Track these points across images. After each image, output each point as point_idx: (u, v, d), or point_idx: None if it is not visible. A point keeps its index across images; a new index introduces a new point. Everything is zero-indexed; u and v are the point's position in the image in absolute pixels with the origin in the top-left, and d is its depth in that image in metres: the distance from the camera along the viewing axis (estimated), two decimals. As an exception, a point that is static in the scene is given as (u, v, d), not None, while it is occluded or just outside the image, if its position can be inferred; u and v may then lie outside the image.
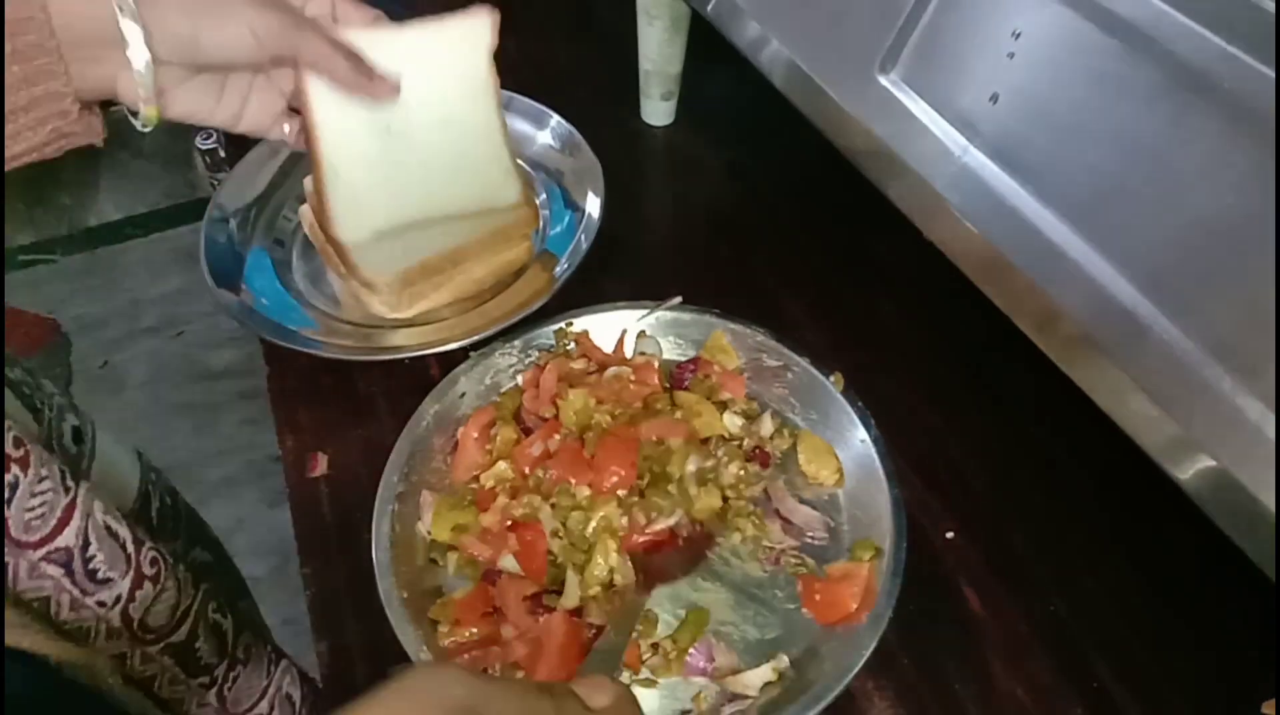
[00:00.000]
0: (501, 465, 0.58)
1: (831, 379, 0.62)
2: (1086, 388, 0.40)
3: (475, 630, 0.53)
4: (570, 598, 0.53)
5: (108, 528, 0.51)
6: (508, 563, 0.55)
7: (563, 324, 0.66)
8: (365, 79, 0.51)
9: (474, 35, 0.56)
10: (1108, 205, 0.37)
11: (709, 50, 0.75)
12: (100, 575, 0.50)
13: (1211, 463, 0.34)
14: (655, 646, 0.53)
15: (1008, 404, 0.66)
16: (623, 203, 0.78)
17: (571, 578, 0.53)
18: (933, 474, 0.61)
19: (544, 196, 0.80)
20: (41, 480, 0.47)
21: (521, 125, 0.86)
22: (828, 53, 0.50)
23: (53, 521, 0.47)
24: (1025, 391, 0.65)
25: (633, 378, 0.63)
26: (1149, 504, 0.58)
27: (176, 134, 2.51)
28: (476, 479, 0.59)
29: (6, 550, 0.45)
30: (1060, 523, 0.59)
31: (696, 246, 0.79)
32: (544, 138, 0.85)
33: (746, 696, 0.51)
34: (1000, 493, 0.61)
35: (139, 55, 0.43)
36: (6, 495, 0.45)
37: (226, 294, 0.70)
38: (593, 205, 0.77)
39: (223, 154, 0.88)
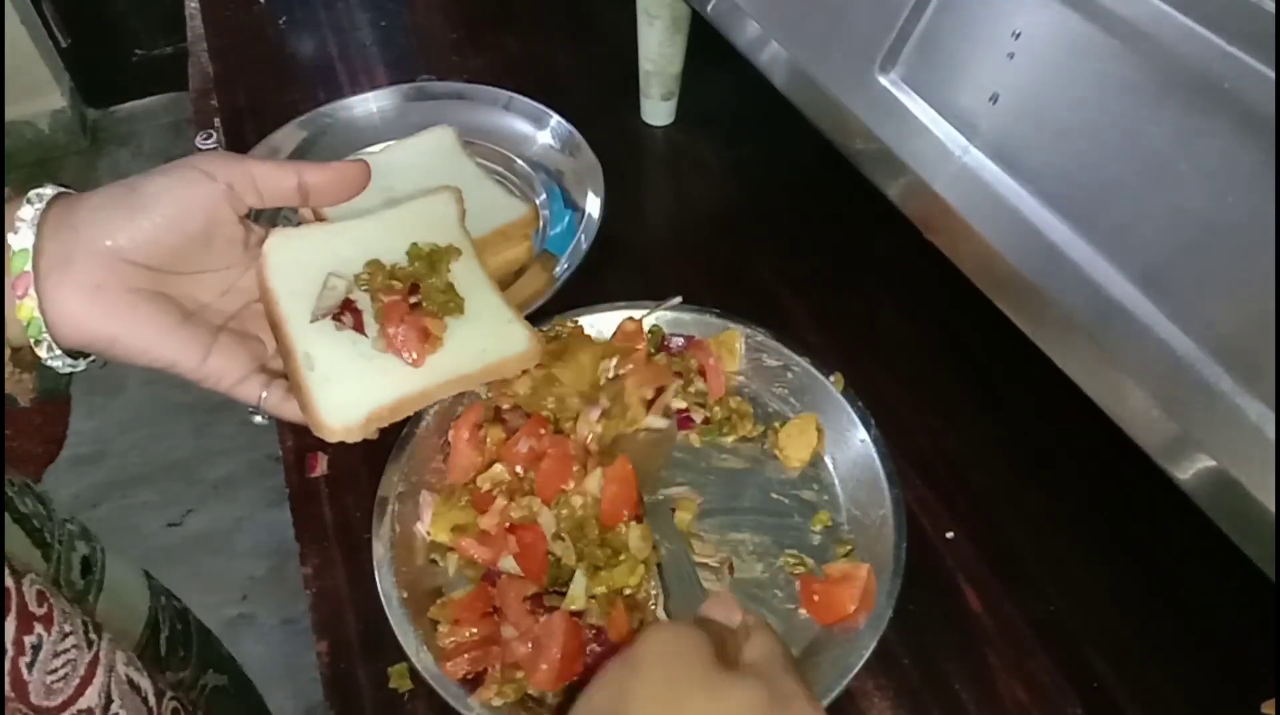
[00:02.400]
0: (498, 467, 0.58)
1: (831, 379, 0.62)
2: (1086, 387, 0.40)
3: (475, 630, 0.53)
4: (577, 600, 0.53)
5: (130, 681, 0.48)
6: (507, 564, 0.55)
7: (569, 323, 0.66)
8: (338, 175, 0.46)
9: (440, 211, 0.54)
10: (1108, 205, 0.37)
11: (709, 50, 0.75)
12: None
13: (1211, 463, 0.34)
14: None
15: (1008, 404, 0.66)
16: (623, 203, 0.78)
17: (579, 579, 0.53)
18: (933, 474, 0.61)
19: (544, 196, 0.80)
20: (65, 636, 0.44)
21: (521, 125, 0.86)
22: (828, 53, 0.50)
23: (75, 681, 0.44)
24: (1025, 391, 0.65)
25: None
26: (1149, 504, 0.58)
27: (176, 134, 2.51)
28: (473, 480, 0.59)
29: None
30: (1060, 522, 0.59)
31: (696, 246, 0.79)
32: (544, 138, 0.85)
33: (746, 696, 0.51)
34: (1000, 493, 0.61)
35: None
36: (29, 658, 0.41)
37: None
38: (593, 205, 0.77)
39: (223, 154, 0.89)
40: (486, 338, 0.51)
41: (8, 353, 0.41)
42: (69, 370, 0.43)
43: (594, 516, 0.56)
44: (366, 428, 0.47)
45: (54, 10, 2.28)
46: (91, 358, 0.43)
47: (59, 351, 0.41)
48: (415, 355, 0.48)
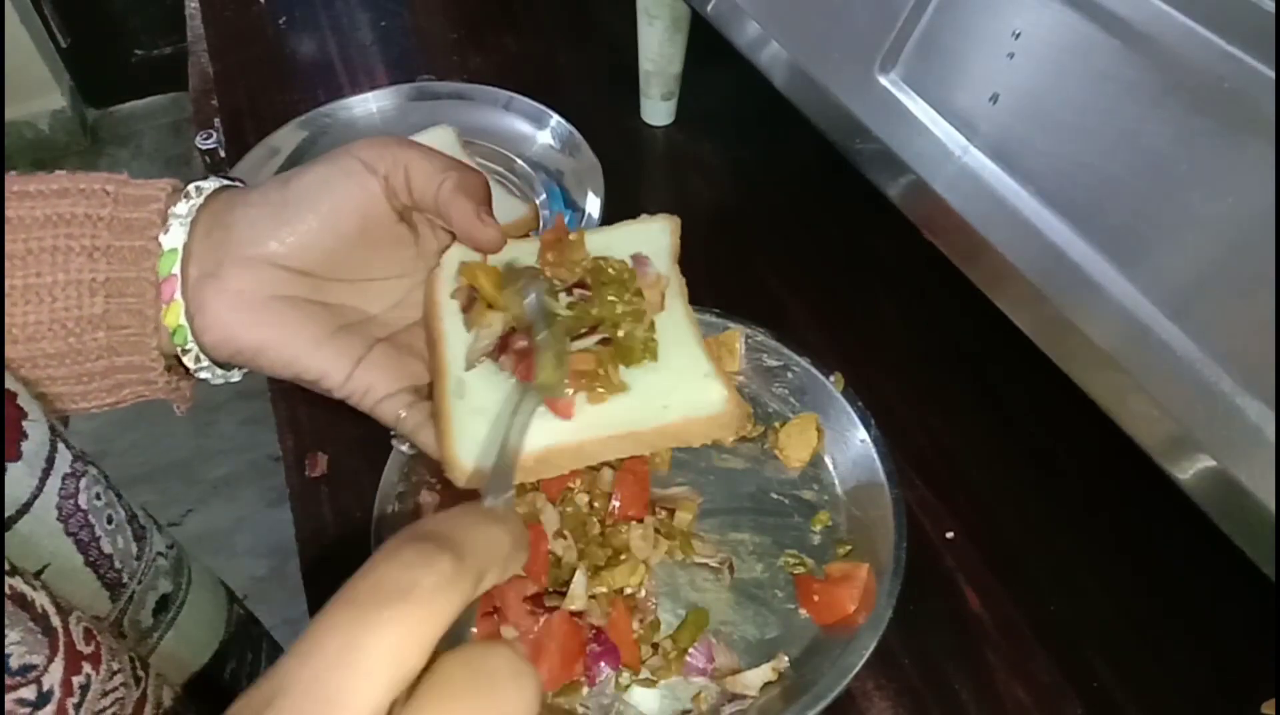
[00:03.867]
0: None
1: (831, 379, 0.62)
2: (1086, 387, 0.40)
3: (475, 630, 0.53)
4: (577, 600, 0.53)
5: None
6: None
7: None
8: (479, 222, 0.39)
9: (654, 238, 0.47)
10: (1108, 205, 0.37)
11: (709, 50, 0.75)
12: None
13: (1211, 463, 0.34)
14: (655, 646, 0.53)
15: (1008, 404, 0.66)
16: (623, 203, 0.78)
17: (579, 579, 0.53)
18: (933, 474, 0.61)
19: (544, 196, 0.80)
20: (114, 675, 0.41)
21: (521, 125, 0.86)
22: (828, 53, 0.50)
23: None
24: (1025, 391, 0.65)
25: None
26: (1149, 504, 0.58)
27: (176, 134, 2.51)
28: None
29: None
30: (1060, 522, 0.59)
31: (696, 246, 0.78)
32: (544, 138, 0.85)
33: (746, 696, 0.51)
34: (1000, 493, 0.61)
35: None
36: (77, 699, 0.38)
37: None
38: (593, 205, 0.77)
39: (223, 154, 0.88)
40: (674, 393, 0.41)
41: (162, 361, 0.37)
42: (221, 381, 0.40)
43: (596, 516, 0.57)
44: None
45: (54, 10, 2.28)
46: (244, 371, 0.40)
47: (207, 361, 0.39)
48: (560, 405, 0.39)
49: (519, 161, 0.83)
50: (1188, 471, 0.35)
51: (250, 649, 0.67)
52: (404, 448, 0.46)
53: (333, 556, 0.58)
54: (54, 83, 2.34)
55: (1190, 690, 0.52)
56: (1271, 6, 0.31)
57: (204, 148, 0.90)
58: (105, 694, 0.40)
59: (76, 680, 0.39)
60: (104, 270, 0.36)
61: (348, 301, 0.40)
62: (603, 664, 0.52)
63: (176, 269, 0.36)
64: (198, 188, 0.38)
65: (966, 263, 0.44)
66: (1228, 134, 0.33)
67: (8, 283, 0.35)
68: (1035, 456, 0.63)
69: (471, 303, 0.40)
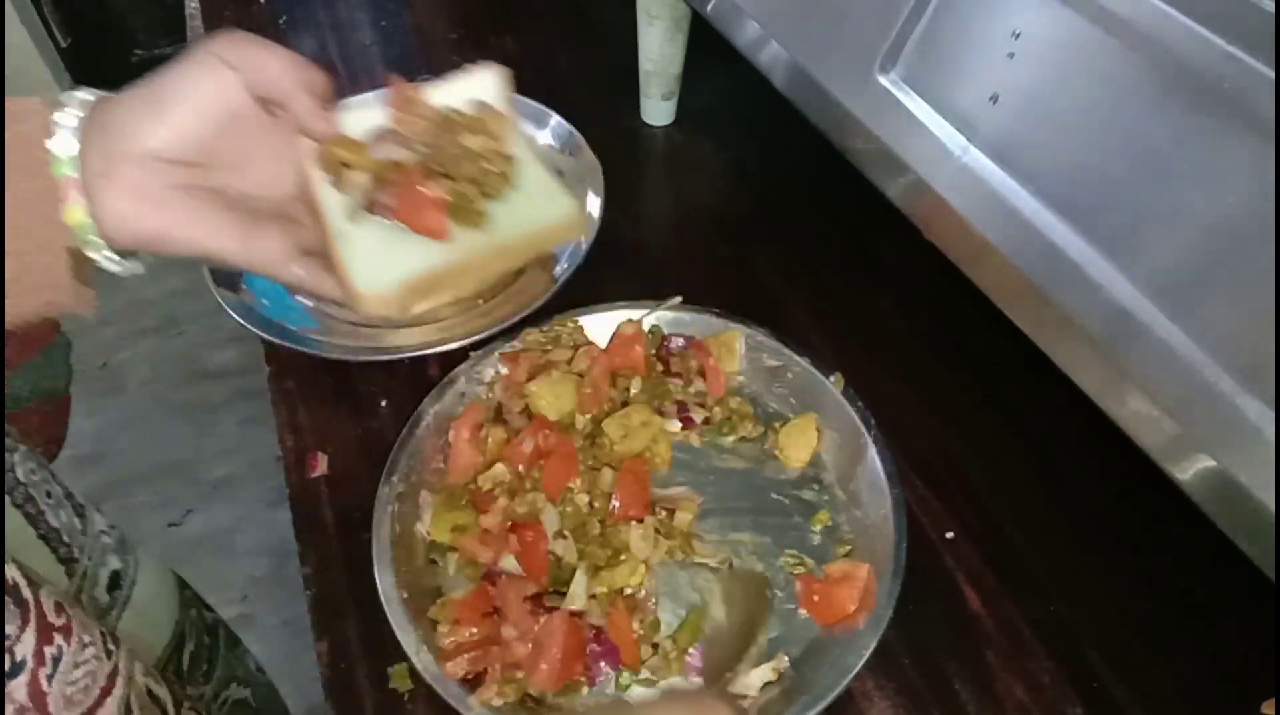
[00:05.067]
0: (499, 467, 0.58)
1: (832, 379, 0.62)
2: (1086, 388, 0.40)
3: (475, 630, 0.53)
4: (577, 599, 0.53)
5: (150, 692, 0.48)
6: (508, 563, 0.55)
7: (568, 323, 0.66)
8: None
9: (488, 86, 0.52)
10: (1108, 205, 0.37)
11: (709, 50, 0.75)
12: None
13: (1211, 463, 0.34)
14: (655, 646, 0.53)
15: (1008, 404, 0.65)
16: (623, 203, 0.78)
17: (580, 579, 0.53)
18: (933, 474, 0.61)
19: (544, 196, 0.80)
20: (85, 647, 0.43)
21: (521, 125, 0.86)
22: (828, 53, 0.50)
23: (95, 692, 0.43)
24: (1025, 391, 0.65)
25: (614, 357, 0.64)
26: (1149, 504, 0.58)
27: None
28: (474, 479, 0.59)
29: None
30: (1060, 522, 0.59)
31: (697, 246, 0.79)
32: (544, 138, 0.85)
33: (746, 696, 0.51)
34: (1000, 493, 0.61)
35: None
36: (49, 670, 0.41)
37: (227, 294, 0.70)
38: (593, 205, 0.77)
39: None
40: (530, 208, 0.49)
41: (69, 264, 0.41)
42: (126, 272, 0.44)
43: (597, 517, 0.57)
44: (404, 299, 0.46)
45: (54, 10, 2.28)
46: (147, 259, 0.44)
47: (112, 253, 0.42)
48: (434, 230, 0.46)
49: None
50: (1188, 471, 0.35)
51: (207, 633, 0.68)
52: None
53: (333, 556, 0.58)
54: (54, 83, 2.34)
55: (1190, 690, 0.52)
56: (1271, 6, 0.31)
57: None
58: (77, 665, 0.42)
59: (49, 651, 0.41)
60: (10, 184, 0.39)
61: (230, 184, 0.44)
62: (603, 664, 0.52)
63: (73, 172, 0.39)
64: (70, 96, 0.41)
65: (966, 263, 0.44)
66: (1228, 134, 0.33)
67: None
68: (1035, 456, 0.63)
69: (337, 170, 0.46)
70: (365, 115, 0.48)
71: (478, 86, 0.52)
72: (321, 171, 0.46)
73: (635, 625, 0.53)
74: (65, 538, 0.53)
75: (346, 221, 0.46)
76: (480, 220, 0.47)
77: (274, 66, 0.42)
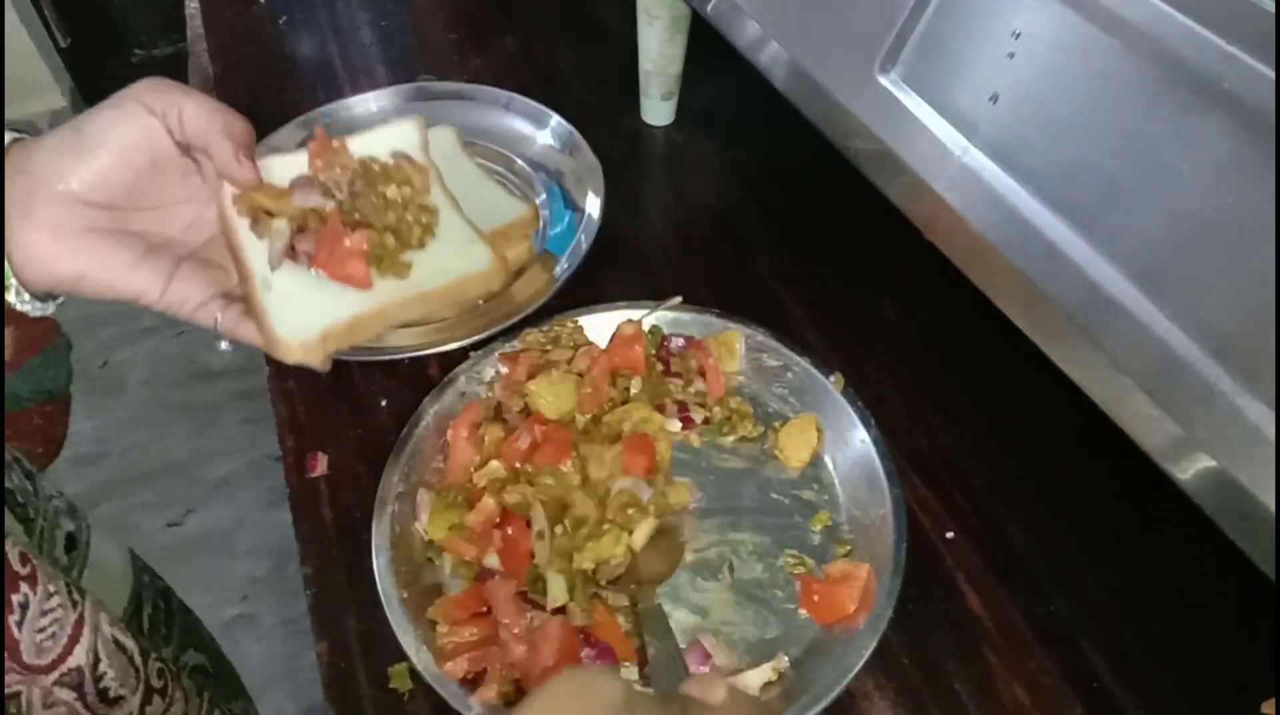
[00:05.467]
0: (494, 464, 0.58)
1: (831, 379, 0.62)
2: (1086, 387, 0.40)
3: (474, 631, 0.53)
4: (557, 598, 0.53)
5: (116, 641, 0.49)
6: (492, 561, 0.55)
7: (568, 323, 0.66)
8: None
9: (407, 136, 0.53)
10: (1107, 205, 0.37)
11: (709, 50, 0.75)
12: (112, 693, 0.47)
13: (1211, 463, 0.34)
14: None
15: (1008, 404, 0.65)
16: (623, 203, 0.78)
17: (555, 579, 0.53)
18: (933, 474, 0.61)
19: (544, 196, 0.80)
20: (50, 595, 0.44)
21: (521, 125, 0.86)
22: (828, 53, 0.50)
23: (63, 640, 0.45)
24: (1025, 391, 0.65)
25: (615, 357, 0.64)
26: (1149, 504, 0.58)
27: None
28: (470, 478, 0.59)
29: (20, 679, 0.42)
30: (1061, 522, 0.59)
31: (697, 246, 0.79)
32: (544, 138, 0.85)
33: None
34: (1000, 493, 0.61)
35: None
36: (18, 616, 0.42)
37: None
38: (593, 205, 0.77)
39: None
40: (449, 257, 0.50)
41: None
42: (39, 313, 0.44)
43: (591, 491, 0.56)
44: (324, 347, 0.46)
45: (54, 10, 2.28)
46: (60, 300, 0.45)
47: (28, 297, 0.42)
48: (356, 279, 0.47)
49: (519, 161, 0.83)
50: (1188, 471, 0.35)
51: (161, 598, 0.71)
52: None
53: (333, 556, 0.58)
54: (54, 83, 2.34)
55: (1190, 690, 0.52)
56: (1271, 6, 0.31)
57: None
58: (44, 613, 0.43)
59: (15, 599, 0.42)
60: None
61: (150, 227, 0.44)
62: (598, 665, 0.52)
63: None
64: None
65: (966, 263, 0.44)
66: (1227, 134, 0.33)
67: None
68: (1035, 456, 0.63)
69: (258, 216, 0.47)
70: (287, 163, 0.49)
71: (399, 137, 0.53)
72: (242, 217, 0.47)
73: (624, 626, 0.53)
74: (20, 498, 0.55)
75: (267, 268, 0.47)
76: (403, 270, 0.48)
77: (195, 112, 0.42)
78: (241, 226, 0.47)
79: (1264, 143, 0.32)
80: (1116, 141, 0.37)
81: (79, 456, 1.72)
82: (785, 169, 0.85)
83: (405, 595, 0.53)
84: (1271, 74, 0.31)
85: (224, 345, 0.49)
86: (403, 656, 0.52)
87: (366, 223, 0.48)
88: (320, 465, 0.63)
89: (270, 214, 0.47)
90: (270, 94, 0.95)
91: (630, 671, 0.52)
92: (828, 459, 0.62)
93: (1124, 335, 0.36)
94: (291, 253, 0.48)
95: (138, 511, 1.64)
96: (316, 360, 0.46)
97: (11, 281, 0.41)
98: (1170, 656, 0.53)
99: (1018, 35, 0.40)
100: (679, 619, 0.55)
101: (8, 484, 0.53)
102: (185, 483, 1.69)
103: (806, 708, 0.49)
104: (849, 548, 0.57)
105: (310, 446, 0.64)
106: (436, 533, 0.56)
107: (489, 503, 0.56)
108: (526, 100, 0.86)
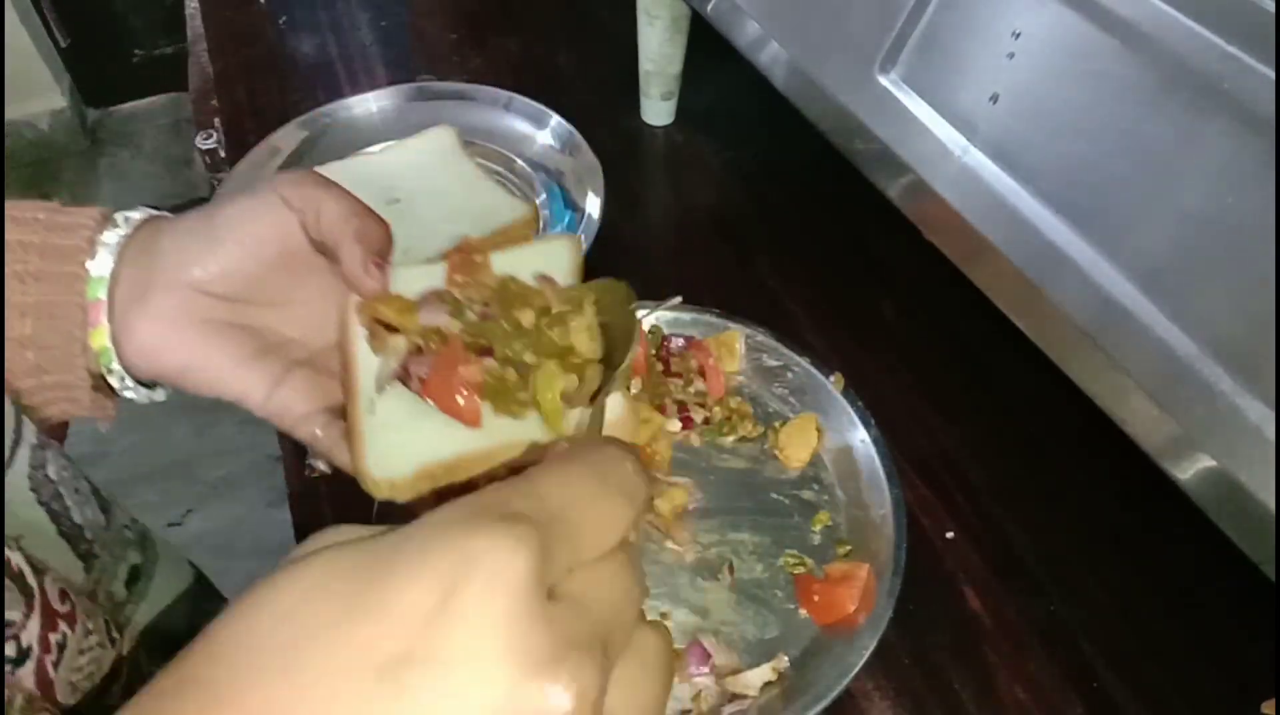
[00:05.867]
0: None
1: (831, 379, 0.62)
2: (1086, 388, 0.40)
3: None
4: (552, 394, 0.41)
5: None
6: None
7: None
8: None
9: (559, 256, 0.47)
10: (1108, 205, 0.37)
11: (709, 50, 0.75)
12: None
13: (1211, 463, 0.34)
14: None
15: (1008, 404, 0.65)
16: (623, 203, 0.78)
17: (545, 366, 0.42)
18: (933, 474, 0.61)
19: (544, 196, 0.80)
20: (89, 634, 0.42)
21: (521, 125, 0.86)
22: (828, 53, 0.50)
23: (98, 680, 0.43)
24: (1025, 391, 0.65)
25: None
26: (1149, 504, 0.58)
27: (176, 134, 2.51)
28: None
29: None
30: (1060, 523, 0.59)
31: (696, 246, 0.79)
32: (544, 138, 0.85)
33: (746, 696, 0.51)
34: (1000, 493, 0.61)
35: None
36: (55, 656, 0.40)
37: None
38: (593, 205, 0.77)
39: (223, 154, 0.88)
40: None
41: (89, 383, 0.40)
42: (145, 400, 0.42)
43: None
44: (415, 487, 0.41)
45: (54, 10, 2.28)
46: (169, 390, 0.42)
47: (131, 381, 0.40)
48: (465, 414, 0.40)
49: (519, 161, 0.83)
50: (1188, 471, 0.35)
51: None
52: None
53: (333, 556, 0.58)
54: (54, 83, 2.34)
55: (1190, 690, 0.52)
56: (1271, 6, 0.31)
57: (204, 148, 0.90)
58: (82, 653, 0.41)
59: (53, 638, 0.40)
60: (34, 293, 0.38)
61: (269, 325, 0.42)
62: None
63: (103, 294, 0.38)
64: (125, 217, 0.40)
65: (966, 263, 0.44)
66: (1227, 134, 0.33)
67: None
68: (1035, 456, 0.63)
69: (376, 329, 0.42)
70: (422, 274, 0.43)
71: (550, 256, 0.46)
72: (361, 327, 0.42)
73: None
74: (88, 535, 0.53)
75: (373, 387, 0.42)
76: (519, 410, 0.41)
77: (334, 210, 0.40)
78: (359, 338, 0.42)
79: (1264, 143, 0.32)
80: (1116, 141, 0.37)
81: (79, 456, 1.70)
82: (785, 169, 0.85)
83: (405, 595, 0.53)
84: (1271, 74, 0.31)
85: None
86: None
87: (490, 349, 0.41)
88: (320, 465, 0.63)
89: (390, 328, 0.42)
90: (270, 94, 0.95)
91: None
92: (828, 459, 0.62)
93: (1124, 335, 0.36)
94: (404, 374, 0.41)
95: (138, 511, 1.63)
96: (402, 497, 0.41)
97: (115, 367, 0.39)
98: (1170, 656, 0.53)
99: (1018, 35, 0.40)
100: (679, 619, 0.55)
101: (78, 520, 0.51)
102: (185, 483, 1.69)
103: (806, 708, 0.49)
104: (849, 548, 0.57)
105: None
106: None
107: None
108: (526, 100, 0.86)
